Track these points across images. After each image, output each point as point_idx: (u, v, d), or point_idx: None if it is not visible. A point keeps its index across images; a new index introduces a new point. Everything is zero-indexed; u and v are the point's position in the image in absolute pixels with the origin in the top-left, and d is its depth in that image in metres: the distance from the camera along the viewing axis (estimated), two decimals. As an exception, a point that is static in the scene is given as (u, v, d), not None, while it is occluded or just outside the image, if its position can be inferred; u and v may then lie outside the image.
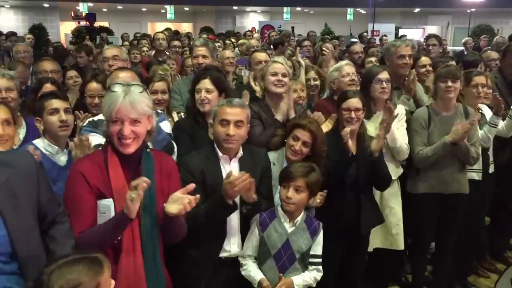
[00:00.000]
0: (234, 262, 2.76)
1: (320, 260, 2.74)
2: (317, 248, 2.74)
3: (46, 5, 20.55)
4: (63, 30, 20.59)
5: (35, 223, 1.96)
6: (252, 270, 2.68)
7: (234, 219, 2.72)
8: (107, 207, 2.10)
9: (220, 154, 2.72)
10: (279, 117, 3.33)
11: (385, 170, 3.23)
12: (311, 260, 2.72)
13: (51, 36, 17.26)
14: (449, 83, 3.53)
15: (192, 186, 2.12)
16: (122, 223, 2.03)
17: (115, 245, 2.11)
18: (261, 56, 4.66)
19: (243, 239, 2.77)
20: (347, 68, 3.93)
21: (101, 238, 2.06)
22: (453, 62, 4.55)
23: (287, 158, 3.00)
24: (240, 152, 2.75)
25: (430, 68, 4.39)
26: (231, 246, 2.75)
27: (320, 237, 2.75)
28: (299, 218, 2.72)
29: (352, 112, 3.14)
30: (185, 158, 2.77)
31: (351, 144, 3.02)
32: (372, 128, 3.45)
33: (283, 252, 2.66)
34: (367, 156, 3.12)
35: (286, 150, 3.01)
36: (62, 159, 2.88)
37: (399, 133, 3.55)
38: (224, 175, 2.59)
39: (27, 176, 1.94)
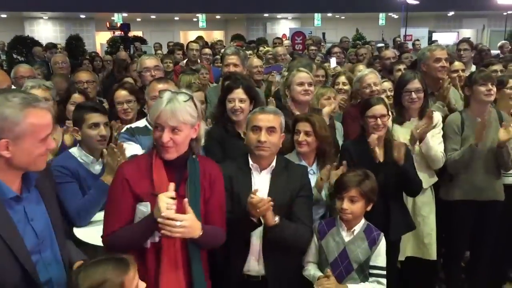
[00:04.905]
0: (259, 284, 2.63)
1: (382, 272, 2.62)
2: (378, 259, 2.62)
3: (82, 16, 21.13)
4: (99, 40, 21.11)
5: None
6: (312, 270, 2.69)
7: (255, 238, 2.58)
8: (142, 212, 2.09)
9: (251, 163, 2.64)
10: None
11: (414, 176, 3.18)
12: (371, 271, 2.62)
13: (87, 46, 17.74)
14: (490, 86, 3.49)
15: None
16: (150, 226, 2.02)
17: (155, 256, 2.12)
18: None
19: (266, 260, 2.59)
20: (368, 78, 3.93)
21: (130, 239, 2.08)
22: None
23: (298, 152, 3.01)
24: (273, 164, 2.64)
25: (463, 74, 4.32)
26: (251, 264, 2.60)
27: (380, 248, 2.63)
28: (356, 227, 2.65)
29: (378, 119, 3.12)
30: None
31: (379, 151, 3.01)
32: (406, 135, 3.42)
33: (340, 261, 2.62)
34: (395, 163, 3.05)
35: (296, 147, 3.02)
36: (97, 168, 2.97)
37: (435, 141, 3.49)
38: (253, 185, 2.56)
39: None
